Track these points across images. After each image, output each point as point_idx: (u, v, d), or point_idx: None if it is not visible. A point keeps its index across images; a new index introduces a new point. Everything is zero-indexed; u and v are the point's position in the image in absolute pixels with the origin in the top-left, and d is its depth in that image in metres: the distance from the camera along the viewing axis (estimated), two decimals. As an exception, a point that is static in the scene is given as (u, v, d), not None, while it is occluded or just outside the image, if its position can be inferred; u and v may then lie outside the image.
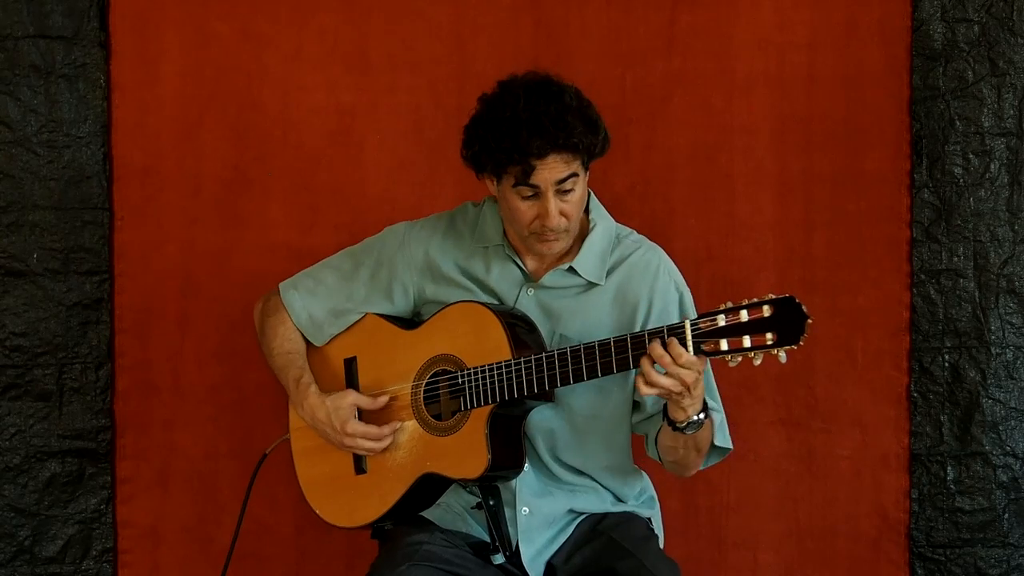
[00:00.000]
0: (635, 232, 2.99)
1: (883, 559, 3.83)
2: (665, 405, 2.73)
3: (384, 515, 2.94)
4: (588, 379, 2.71)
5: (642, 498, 3.04)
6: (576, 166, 2.77)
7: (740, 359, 2.56)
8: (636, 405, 2.91)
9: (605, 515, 2.96)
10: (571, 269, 2.89)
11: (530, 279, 2.91)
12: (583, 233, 2.92)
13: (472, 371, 2.80)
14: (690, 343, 2.59)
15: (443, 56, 3.82)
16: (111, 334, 3.82)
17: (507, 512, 2.88)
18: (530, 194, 2.77)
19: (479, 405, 2.79)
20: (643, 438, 2.97)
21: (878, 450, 3.82)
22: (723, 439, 2.88)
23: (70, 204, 3.80)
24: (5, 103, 3.77)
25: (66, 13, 3.77)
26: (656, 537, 3.00)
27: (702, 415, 2.72)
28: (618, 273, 2.91)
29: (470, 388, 2.80)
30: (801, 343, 2.51)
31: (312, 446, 3.01)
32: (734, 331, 2.55)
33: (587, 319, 2.88)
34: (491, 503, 2.85)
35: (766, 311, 2.53)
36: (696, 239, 3.81)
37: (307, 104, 3.83)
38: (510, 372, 2.75)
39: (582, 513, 2.94)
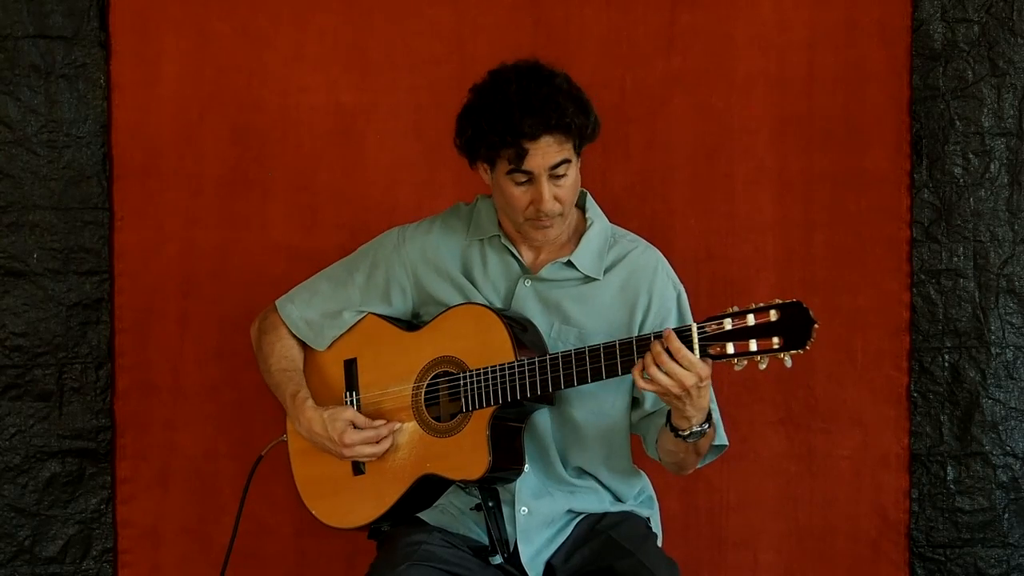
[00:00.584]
0: (629, 232, 3.00)
1: (883, 559, 3.83)
2: (669, 412, 2.73)
3: (382, 516, 2.93)
4: (592, 382, 2.71)
5: (641, 498, 3.04)
6: (568, 150, 2.78)
7: (746, 363, 2.56)
8: (635, 402, 2.91)
9: (604, 515, 2.96)
10: (569, 263, 2.89)
11: (527, 271, 2.91)
12: (580, 229, 2.92)
13: (473, 373, 2.80)
14: (696, 346, 2.58)
15: (443, 56, 3.82)
16: (111, 334, 3.82)
17: (506, 512, 2.88)
18: (524, 180, 2.79)
19: (480, 407, 2.79)
20: (641, 436, 2.97)
21: (878, 450, 3.82)
22: (720, 437, 2.89)
23: (70, 204, 3.80)
24: (5, 103, 3.77)
25: (66, 13, 3.77)
26: (655, 536, 3.00)
27: (706, 425, 2.73)
28: (618, 271, 2.91)
29: (471, 390, 2.80)
30: (808, 348, 2.51)
31: (309, 447, 3.01)
32: (740, 335, 2.55)
33: (587, 309, 2.88)
34: (490, 504, 2.85)
35: (773, 315, 2.53)
36: (696, 239, 3.81)
37: (307, 104, 3.83)
38: (512, 374, 2.75)
39: (581, 513, 2.94)
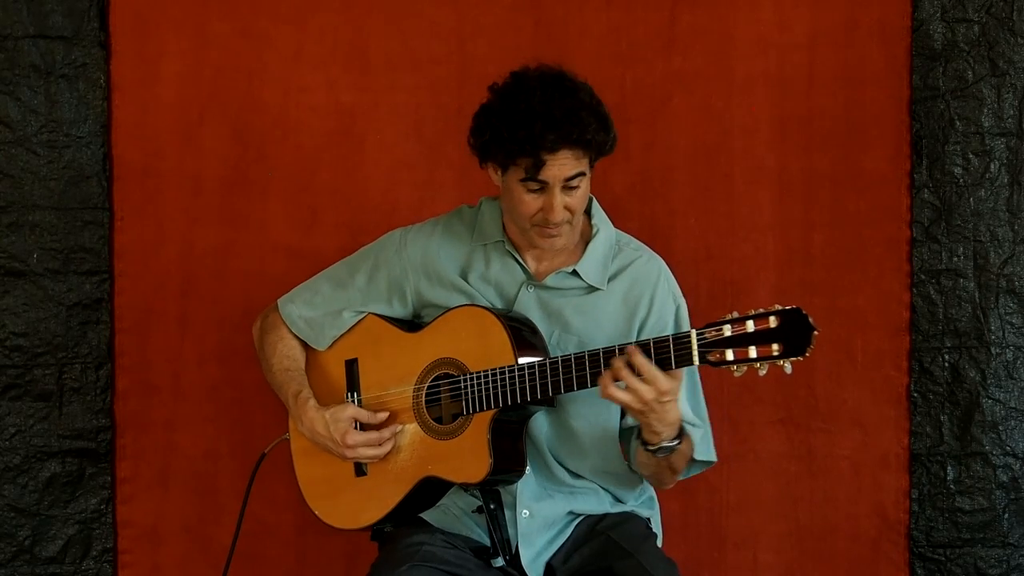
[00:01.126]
0: (634, 239, 2.99)
1: (883, 559, 3.83)
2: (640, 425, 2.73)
3: (384, 517, 2.93)
4: (592, 386, 2.70)
5: (642, 498, 3.04)
6: (584, 164, 2.78)
7: (745, 369, 2.56)
8: (622, 413, 2.90)
9: (604, 515, 2.96)
10: (574, 272, 2.89)
11: (532, 278, 2.91)
12: (586, 238, 2.92)
13: (474, 376, 2.80)
14: (696, 352, 2.58)
15: (443, 56, 3.82)
16: (111, 334, 3.82)
17: (507, 514, 2.88)
18: (536, 188, 2.78)
19: (481, 410, 2.79)
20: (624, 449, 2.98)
21: (878, 450, 3.82)
22: (705, 452, 2.89)
23: (70, 204, 3.80)
24: (5, 103, 3.77)
25: (66, 13, 3.77)
26: (655, 536, 3.00)
27: (675, 442, 2.72)
28: (621, 280, 2.91)
29: (472, 392, 2.80)
30: (807, 355, 2.51)
31: (312, 447, 3.01)
32: (740, 341, 2.55)
33: (589, 319, 2.88)
34: (491, 507, 2.85)
35: (772, 322, 2.53)
36: (696, 239, 3.81)
37: (307, 104, 3.83)
38: (513, 377, 2.75)
39: (581, 514, 2.94)
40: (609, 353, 2.67)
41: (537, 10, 3.81)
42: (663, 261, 2.97)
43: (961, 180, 3.79)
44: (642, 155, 3.82)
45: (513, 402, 2.75)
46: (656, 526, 3.06)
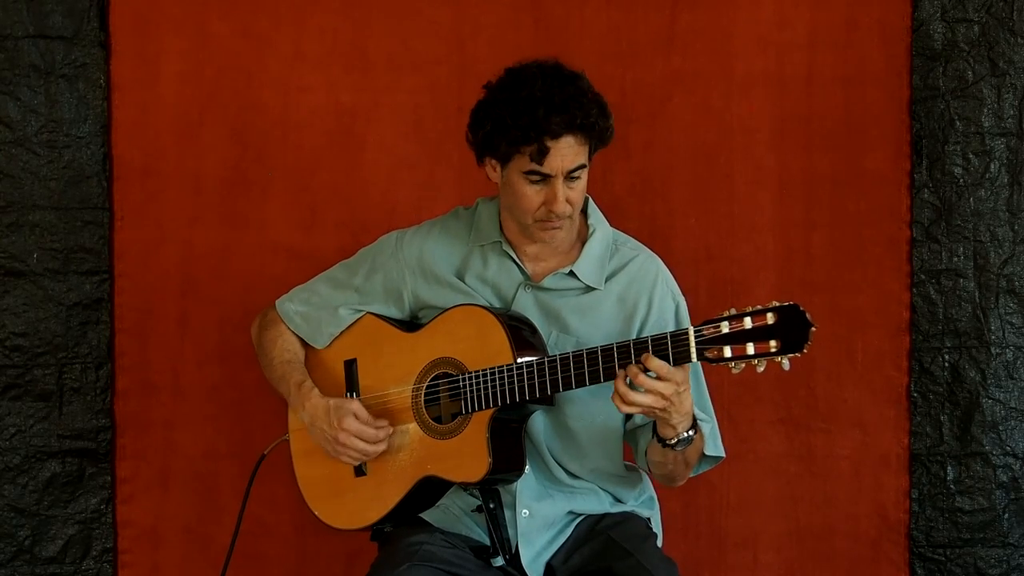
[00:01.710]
0: (631, 239, 2.99)
1: (883, 559, 3.83)
2: (654, 422, 2.73)
3: (384, 517, 2.93)
4: (591, 384, 2.70)
5: (641, 498, 3.04)
6: (584, 155, 2.78)
7: (743, 366, 2.56)
8: (627, 415, 2.90)
9: (604, 515, 2.96)
10: (571, 273, 2.89)
11: (529, 279, 2.91)
12: (583, 237, 2.92)
13: (473, 375, 2.80)
14: (694, 350, 2.58)
15: (443, 56, 3.82)
16: (111, 334, 3.82)
17: (507, 514, 2.88)
18: (538, 180, 2.78)
19: (480, 409, 2.78)
20: (632, 447, 2.97)
21: (878, 450, 3.83)
22: (714, 448, 2.88)
23: (70, 204, 3.80)
24: (5, 103, 3.77)
25: (66, 13, 3.77)
26: (655, 536, 3.00)
27: (691, 432, 2.72)
28: (618, 280, 2.91)
29: (471, 392, 2.80)
30: (805, 351, 2.51)
31: (312, 447, 3.01)
32: (738, 338, 2.54)
33: (587, 320, 2.88)
34: (491, 506, 2.85)
35: (770, 318, 2.52)
36: (696, 239, 3.81)
37: (307, 104, 3.83)
38: (511, 376, 2.75)
39: (581, 514, 2.94)
40: (608, 351, 2.67)
41: (537, 10, 3.82)
42: (660, 260, 2.97)
43: (961, 180, 3.79)
44: (642, 155, 3.82)
45: (512, 401, 2.75)
46: (656, 526, 3.06)
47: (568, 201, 2.79)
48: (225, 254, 3.83)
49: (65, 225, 3.80)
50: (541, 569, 2.89)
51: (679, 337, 2.60)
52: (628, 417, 2.90)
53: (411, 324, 2.98)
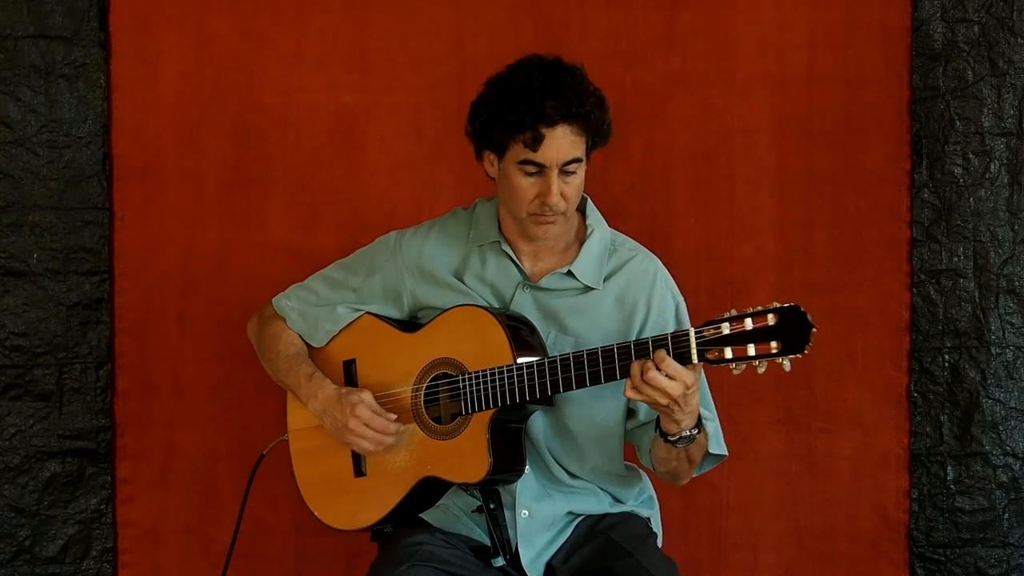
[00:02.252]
0: (629, 239, 2.99)
1: (883, 559, 3.83)
2: (658, 417, 2.73)
3: (384, 518, 2.93)
4: (591, 385, 2.70)
5: (641, 498, 3.04)
6: (581, 148, 2.78)
7: (744, 367, 2.56)
8: (630, 412, 2.91)
9: (604, 515, 2.96)
10: (569, 273, 2.89)
11: (527, 279, 2.91)
12: (581, 237, 2.92)
13: (473, 375, 2.80)
14: (694, 351, 2.58)
15: (443, 56, 3.82)
16: (111, 334, 3.82)
17: (507, 515, 2.88)
18: (534, 171, 2.78)
19: (480, 410, 2.78)
20: (635, 445, 2.97)
21: (878, 450, 3.83)
22: (718, 447, 2.88)
23: (70, 204, 3.80)
24: (5, 103, 3.77)
25: (66, 13, 3.77)
26: (655, 536, 3.00)
27: (695, 430, 2.72)
28: (616, 280, 2.91)
29: (471, 392, 2.80)
30: (806, 352, 2.51)
31: (311, 447, 3.01)
32: (738, 339, 2.54)
33: (585, 319, 2.88)
34: (491, 506, 2.85)
35: (771, 320, 2.52)
36: (696, 239, 3.81)
37: (307, 104, 3.83)
38: (511, 377, 2.75)
39: (581, 514, 2.94)
40: (608, 352, 2.67)
41: (537, 10, 3.82)
42: (659, 260, 2.96)
43: (961, 180, 3.79)
44: (642, 155, 3.82)
45: (512, 402, 2.75)
46: (656, 526, 3.06)
47: (563, 195, 2.79)
48: (225, 254, 3.83)
49: (65, 225, 3.80)
50: (541, 569, 2.89)
51: (680, 338, 2.60)
52: (629, 416, 2.90)
53: (410, 324, 2.97)
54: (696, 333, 2.58)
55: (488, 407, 2.77)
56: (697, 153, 3.83)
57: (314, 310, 3.03)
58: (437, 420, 2.86)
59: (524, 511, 2.88)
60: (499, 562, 2.87)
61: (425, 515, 2.97)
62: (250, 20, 3.82)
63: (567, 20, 3.82)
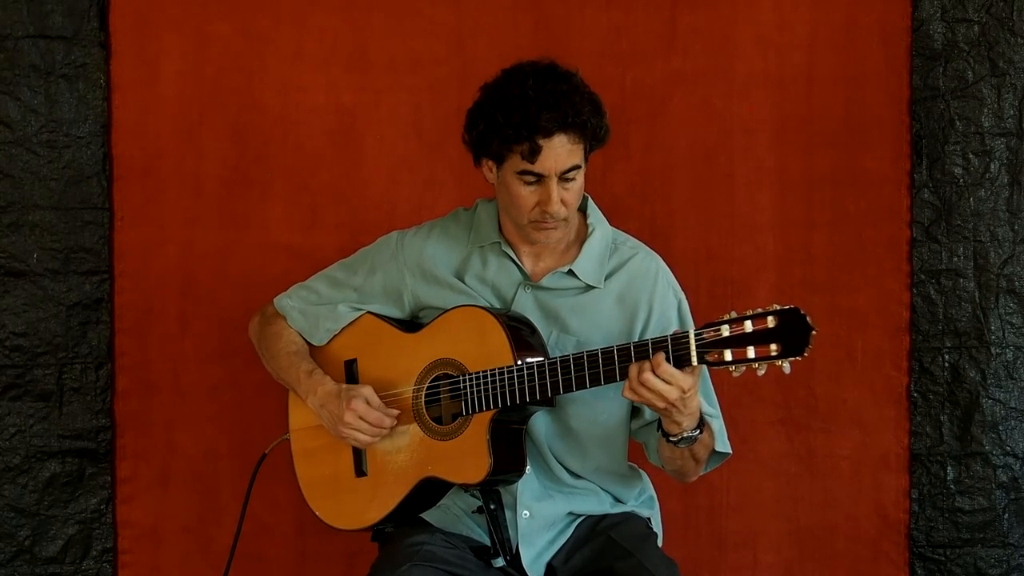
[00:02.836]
0: (631, 237, 2.99)
1: (883, 559, 3.83)
2: (660, 417, 2.73)
3: (384, 518, 2.93)
4: (591, 386, 2.70)
5: (642, 498, 3.04)
6: (579, 155, 2.78)
7: (744, 369, 2.55)
8: (636, 412, 2.91)
9: (604, 515, 2.96)
10: (570, 272, 2.89)
11: (528, 279, 2.91)
12: (581, 237, 2.92)
13: (473, 376, 2.80)
14: (694, 353, 2.58)
15: (443, 56, 3.82)
16: (111, 334, 3.82)
17: (507, 515, 2.88)
18: (533, 180, 2.78)
19: (480, 410, 2.78)
20: (642, 444, 2.97)
21: (878, 450, 3.83)
22: (722, 444, 2.88)
23: (70, 204, 3.80)
24: (5, 103, 3.77)
25: (66, 13, 3.77)
26: (655, 536, 3.00)
27: (697, 431, 2.72)
28: (617, 278, 2.90)
29: (471, 393, 2.80)
30: (806, 355, 2.51)
31: (312, 447, 3.01)
32: (738, 342, 2.54)
33: (586, 319, 2.88)
34: (492, 507, 2.85)
35: (770, 322, 2.52)
36: (696, 239, 3.81)
37: (307, 104, 3.83)
38: (512, 378, 2.75)
39: (582, 515, 2.94)
40: (608, 354, 2.67)
41: (537, 10, 3.82)
42: (660, 258, 2.96)
43: (961, 180, 3.79)
44: (642, 155, 3.82)
45: (512, 403, 2.75)
46: (656, 526, 3.06)
47: (563, 202, 2.79)
48: (225, 254, 3.83)
49: (65, 225, 3.80)
50: (542, 570, 2.89)
51: (679, 340, 2.60)
52: (634, 415, 2.91)
53: (411, 324, 2.97)
54: (696, 335, 2.58)
55: (489, 408, 2.77)
56: (697, 153, 3.83)
57: (315, 309, 3.03)
58: (438, 420, 2.86)
59: (525, 511, 2.88)
60: (499, 562, 2.87)
61: (426, 515, 2.97)
62: (250, 20, 3.82)
63: (567, 20, 3.82)
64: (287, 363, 3.03)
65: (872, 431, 3.82)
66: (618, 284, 2.90)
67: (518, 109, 2.72)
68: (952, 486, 3.81)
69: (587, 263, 2.89)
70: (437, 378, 2.87)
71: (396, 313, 2.99)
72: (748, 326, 2.54)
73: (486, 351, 2.78)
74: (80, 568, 3.83)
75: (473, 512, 2.92)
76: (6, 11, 3.75)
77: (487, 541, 2.89)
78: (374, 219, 3.75)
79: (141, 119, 3.82)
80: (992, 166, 3.79)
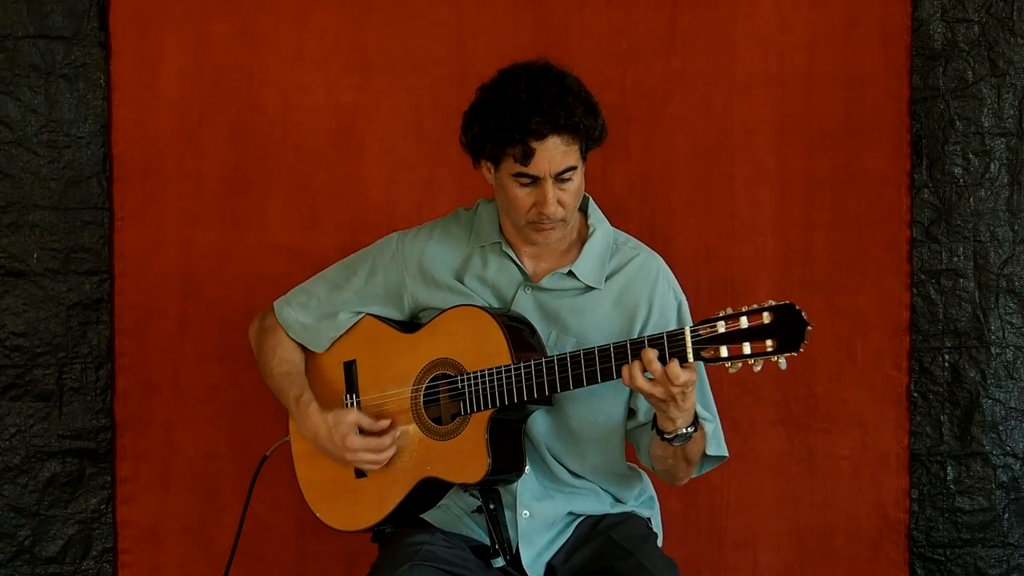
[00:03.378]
0: (632, 238, 2.99)
1: (883, 559, 3.83)
2: (655, 415, 2.73)
3: (384, 519, 2.93)
4: (588, 384, 2.70)
5: (642, 498, 3.04)
6: (574, 155, 2.77)
7: (740, 365, 2.56)
8: (631, 412, 2.91)
9: (604, 515, 2.96)
10: (571, 273, 2.89)
11: (528, 279, 2.91)
12: (582, 237, 2.92)
13: (472, 376, 2.80)
14: (690, 349, 2.58)
15: (443, 56, 3.82)
16: (111, 334, 3.82)
17: (507, 515, 2.88)
18: (528, 182, 2.78)
19: (479, 410, 2.78)
20: (634, 444, 2.97)
21: (878, 450, 3.83)
22: (717, 448, 2.88)
23: (70, 204, 3.80)
24: (5, 103, 3.77)
25: (66, 13, 3.77)
26: (655, 536, 3.00)
27: (691, 429, 2.72)
28: (618, 279, 2.90)
29: (470, 392, 2.80)
30: (801, 350, 2.51)
31: (312, 449, 3.01)
32: (734, 338, 2.54)
33: (586, 319, 2.88)
34: (491, 507, 2.85)
35: (766, 318, 2.52)
36: (696, 239, 3.81)
37: (307, 104, 3.83)
38: (510, 377, 2.75)
39: (581, 515, 2.94)
40: (604, 352, 2.67)
41: (537, 10, 3.82)
42: (662, 259, 2.96)
43: (961, 180, 3.79)
44: (642, 155, 3.82)
45: (511, 401, 2.75)
46: (656, 526, 3.06)
47: (560, 203, 2.79)
48: (225, 254, 3.83)
49: (65, 225, 3.80)
50: (542, 569, 2.89)
51: (675, 337, 2.60)
52: (629, 416, 2.90)
53: (410, 325, 2.97)
54: (692, 331, 2.58)
55: (487, 407, 2.77)
56: (697, 153, 3.83)
57: (316, 323, 3.03)
58: (437, 421, 2.87)
59: (525, 511, 2.88)
60: (499, 562, 2.87)
61: (426, 515, 2.97)
62: (250, 20, 3.82)
63: (567, 20, 3.82)
64: (278, 385, 3.04)
65: (872, 431, 3.82)
66: (618, 285, 2.90)
67: (510, 112, 2.72)
68: (952, 486, 3.81)
69: (587, 264, 2.89)
70: (436, 378, 2.87)
71: (396, 315, 2.99)
72: (744, 322, 2.54)
73: (484, 351, 2.78)
74: (80, 568, 3.84)
75: (473, 512, 2.92)
76: (6, 11, 3.75)
77: (487, 541, 2.90)
78: (374, 219, 3.75)
79: (141, 119, 3.82)
80: (992, 166, 3.79)
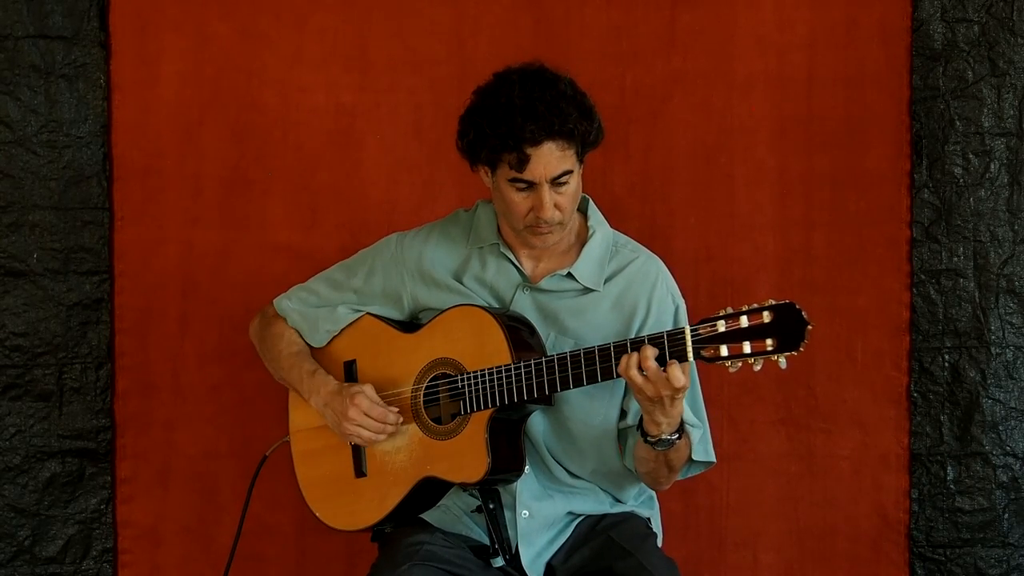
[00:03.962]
0: (632, 240, 2.99)
1: (883, 559, 3.83)
2: (642, 417, 2.73)
3: (384, 518, 2.93)
4: (588, 383, 2.70)
5: (641, 498, 3.04)
6: (570, 159, 2.77)
7: (740, 365, 2.55)
8: (622, 413, 2.90)
9: (604, 515, 2.96)
10: (569, 275, 2.88)
11: (527, 280, 2.91)
12: (582, 239, 2.92)
13: (471, 375, 2.80)
14: (690, 349, 2.58)
15: (443, 56, 3.82)
16: (111, 334, 3.82)
17: (507, 515, 2.88)
18: (524, 187, 2.78)
19: (479, 409, 2.79)
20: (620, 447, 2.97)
21: (878, 450, 3.83)
22: (704, 453, 2.88)
23: (70, 204, 3.80)
24: (5, 103, 3.77)
25: (66, 13, 3.77)
26: (655, 536, 3.00)
27: (675, 436, 2.72)
28: (617, 281, 2.90)
29: (470, 392, 2.80)
30: (801, 349, 2.51)
31: (313, 448, 3.01)
32: (734, 337, 2.54)
33: (585, 321, 2.88)
34: (491, 507, 2.85)
35: (766, 317, 2.52)
36: (696, 239, 3.81)
37: (307, 104, 3.83)
38: (509, 376, 2.75)
39: (581, 514, 2.94)
40: (604, 351, 2.67)
41: (537, 10, 3.82)
42: (661, 262, 2.96)
43: (961, 180, 3.79)
44: (642, 155, 3.82)
45: (510, 401, 2.75)
46: (656, 526, 3.06)
47: (557, 207, 2.79)
48: (225, 254, 3.83)
49: (65, 225, 3.80)
50: (541, 569, 2.89)
51: (675, 336, 2.60)
52: (621, 416, 2.90)
53: (410, 325, 2.97)
54: (692, 331, 2.58)
55: (487, 407, 2.77)
56: (697, 153, 3.83)
57: (314, 311, 3.03)
58: (437, 420, 2.87)
59: (524, 511, 2.88)
60: (499, 562, 2.87)
61: (425, 515, 2.97)
62: (250, 20, 3.82)
63: (567, 20, 3.82)
64: (289, 364, 3.03)
65: (872, 431, 3.82)
66: (617, 287, 2.90)
67: (504, 119, 2.72)
68: (952, 486, 3.81)
69: (586, 266, 2.89)
70: (436, 378, 2.87)
71: (395, 315, 3.00)
72: (744, 321, 2.54)
73: (484, 350, 2.79)
74: (80, 568, 3.84)
75: (472, 512, 2.92)
76: (6, 11, 3.75)
77: (487, 541, 2.90)
78: (374, 219, 3.75)
79: (141, 119, 3.82)
80: (992, 166, 3.79)
